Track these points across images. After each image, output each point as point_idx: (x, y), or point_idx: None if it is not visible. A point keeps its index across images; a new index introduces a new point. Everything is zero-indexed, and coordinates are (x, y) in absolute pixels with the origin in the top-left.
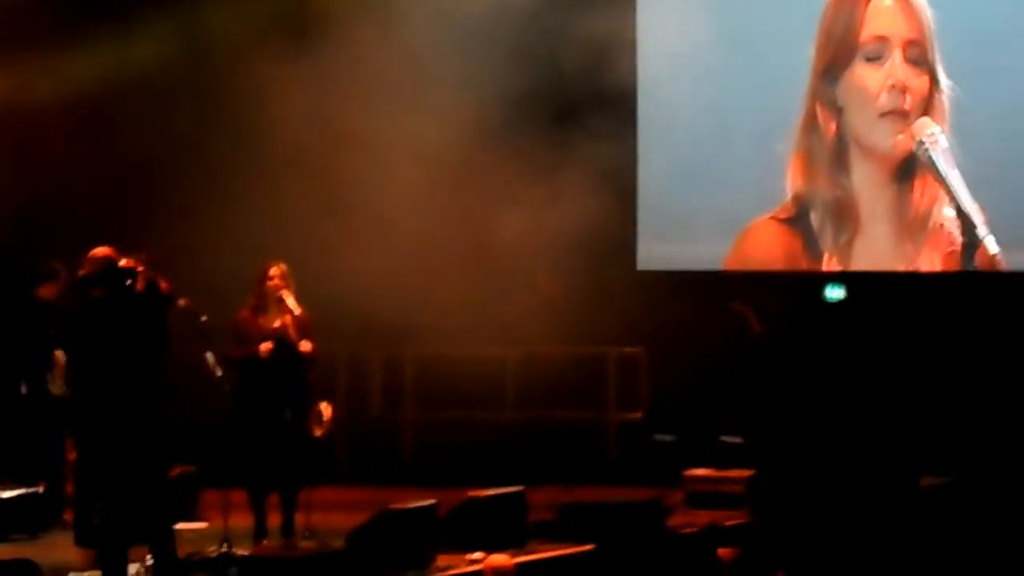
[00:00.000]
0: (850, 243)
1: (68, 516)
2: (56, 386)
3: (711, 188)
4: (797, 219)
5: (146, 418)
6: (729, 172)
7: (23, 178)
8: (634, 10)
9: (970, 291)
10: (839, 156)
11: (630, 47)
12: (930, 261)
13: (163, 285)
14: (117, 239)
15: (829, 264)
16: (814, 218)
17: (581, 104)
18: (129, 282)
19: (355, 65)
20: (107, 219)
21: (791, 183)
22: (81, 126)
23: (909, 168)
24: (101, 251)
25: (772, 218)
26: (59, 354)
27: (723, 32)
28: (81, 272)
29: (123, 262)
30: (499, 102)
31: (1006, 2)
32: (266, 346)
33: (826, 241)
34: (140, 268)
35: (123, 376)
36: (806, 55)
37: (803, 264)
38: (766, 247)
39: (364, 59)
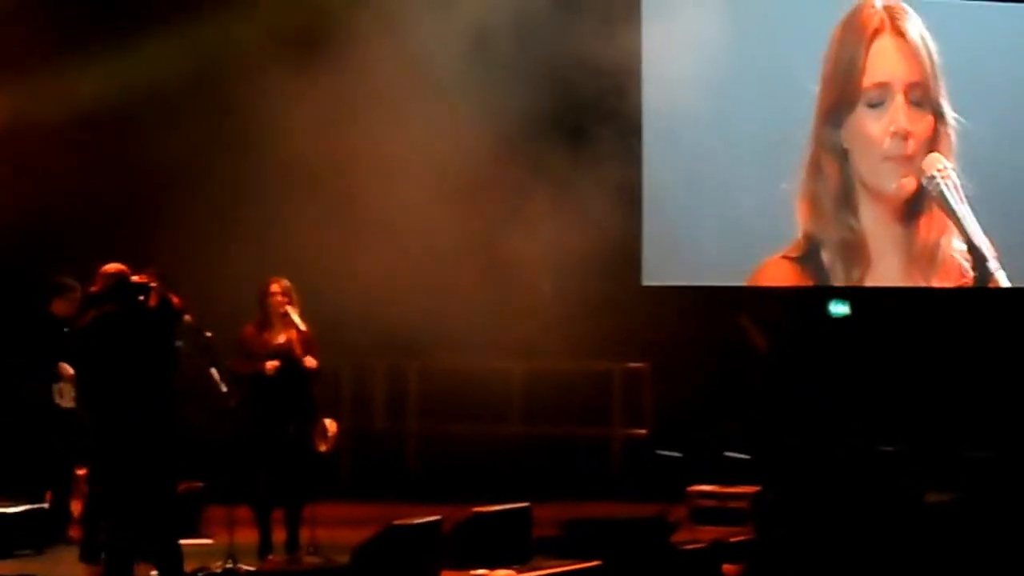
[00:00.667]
0: (861, 280)
1: (73, 532)
2: (64, 399)
3: (718, 215)
4: (807, 257)
5: (156, 434)
6: (735, 200)
7: (31, 193)
8: (640, 37)
9: (976, 307)
10: (845, 198)
11: (636, 69)
12: None
13: (175, 300)
14: (125, 253)
15: None
16: (824, 256)
17: (588, 121)
18: (142, 298)
19: (364, 79)
20: (115, 233)
21: (800, 222)
22: (89, 140)
23: (916, 206)
24: (113, 267)
25: (784, 257)
26: (65, 366)
27: (728, 63)
28: (93, 288)
29: (135, 278)
30: (508, 117)
31: (1010, 34)
32: (272, 364)
33: (837, 277)
34: (153, 284)
35: (134, 392)
36: (811, 91)
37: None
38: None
39: (374, 73)
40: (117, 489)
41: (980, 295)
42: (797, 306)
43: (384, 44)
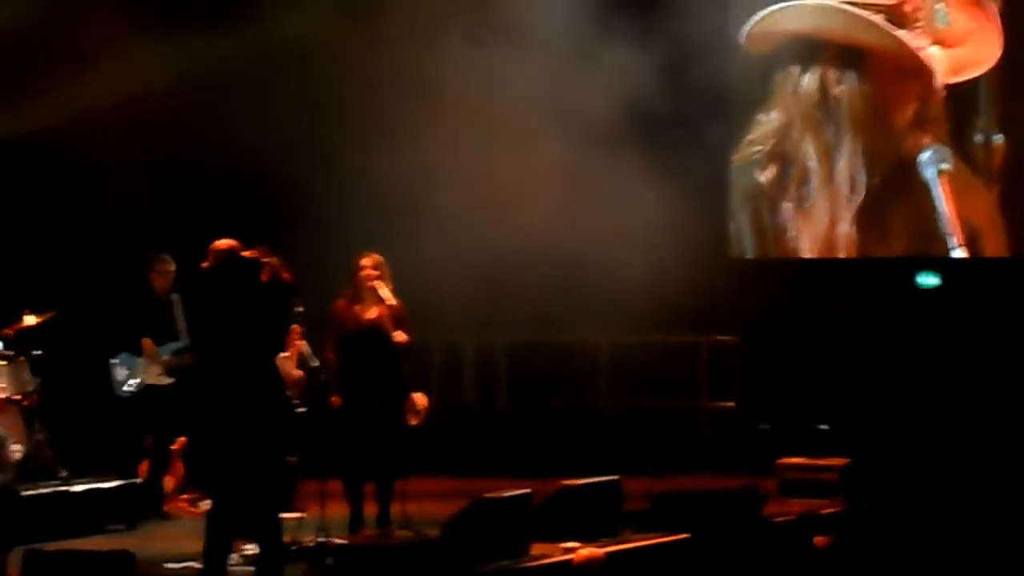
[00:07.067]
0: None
1: (166, 507)
2: (147, 375)
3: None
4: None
5: (263, 410)
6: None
7: (142, 167)
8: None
9: None
10: None
11: (725, 44)
12: None
13: (285, 276)
14: (225, 228)
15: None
16: None
17: (678, 95)
18: (253, 273)
19: (474, 54)
20: (216, 209)
21: None
22: (192, 113)
23: None
24: (224, 242)
25: None
26: (147, 342)
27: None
28: (204, 264)
29: (246, 253)
30: (600, 97)
31: None
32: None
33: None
34: (264, 259)
35: (244, 368)
36: None
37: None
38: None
39: (483, 48)
40: (221, 465)
41: None
42: (885, 277)
43: (501, 14)
